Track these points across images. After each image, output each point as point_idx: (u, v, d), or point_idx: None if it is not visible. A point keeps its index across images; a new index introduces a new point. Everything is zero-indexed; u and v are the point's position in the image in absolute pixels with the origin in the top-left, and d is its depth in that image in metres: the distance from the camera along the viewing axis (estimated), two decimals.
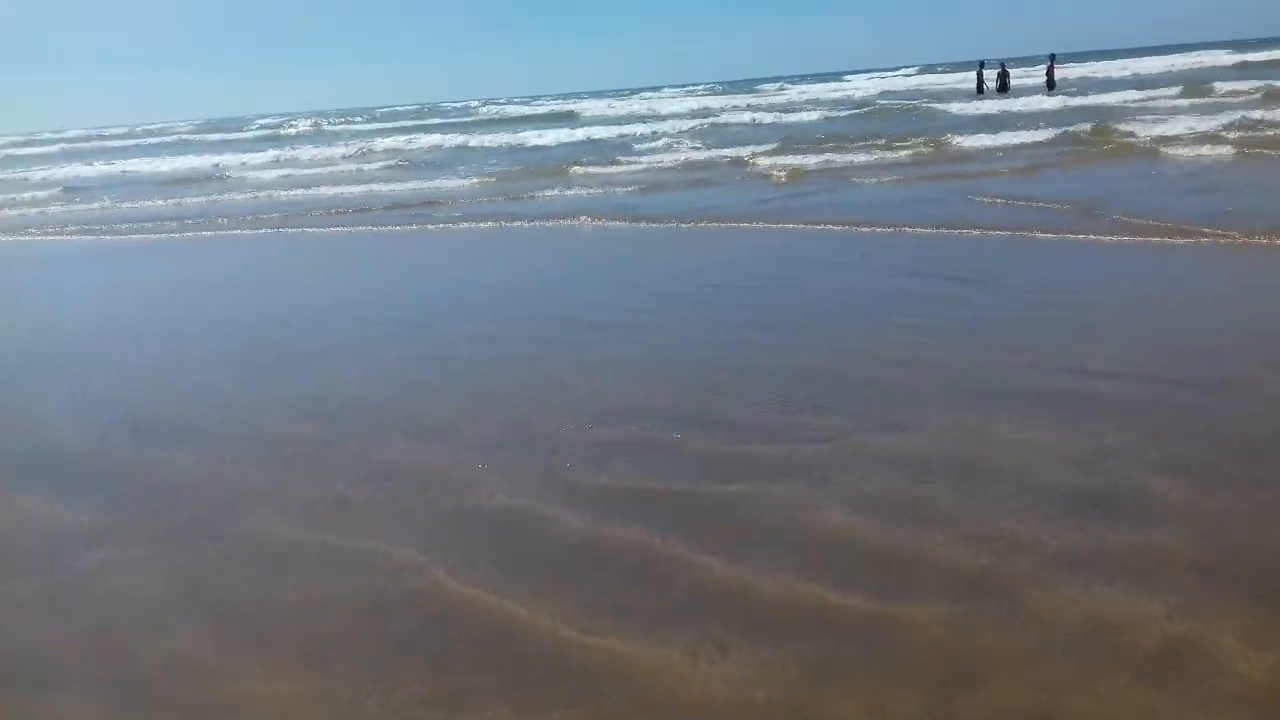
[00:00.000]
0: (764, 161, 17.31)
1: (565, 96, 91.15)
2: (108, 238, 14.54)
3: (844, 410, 4.79)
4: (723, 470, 4.19)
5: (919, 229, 9.60)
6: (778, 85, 66.69)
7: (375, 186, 18.66)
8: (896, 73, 70.04)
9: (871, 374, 5.32)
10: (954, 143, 17.57)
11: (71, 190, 23.14)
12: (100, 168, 30.88)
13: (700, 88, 78.25)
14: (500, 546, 3.66)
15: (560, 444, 4.63)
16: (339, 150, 30.26)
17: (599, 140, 27.47)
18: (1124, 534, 3.37)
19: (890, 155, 17.02)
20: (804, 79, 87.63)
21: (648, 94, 73.63)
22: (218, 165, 28.20)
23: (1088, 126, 17.67)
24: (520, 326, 6.95)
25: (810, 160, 16.93)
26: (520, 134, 31.00)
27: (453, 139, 31.44)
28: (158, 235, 14.32)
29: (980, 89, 32.27)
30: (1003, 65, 32.94)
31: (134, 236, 14.45)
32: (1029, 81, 35.19)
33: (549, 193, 15.72)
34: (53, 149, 51.21)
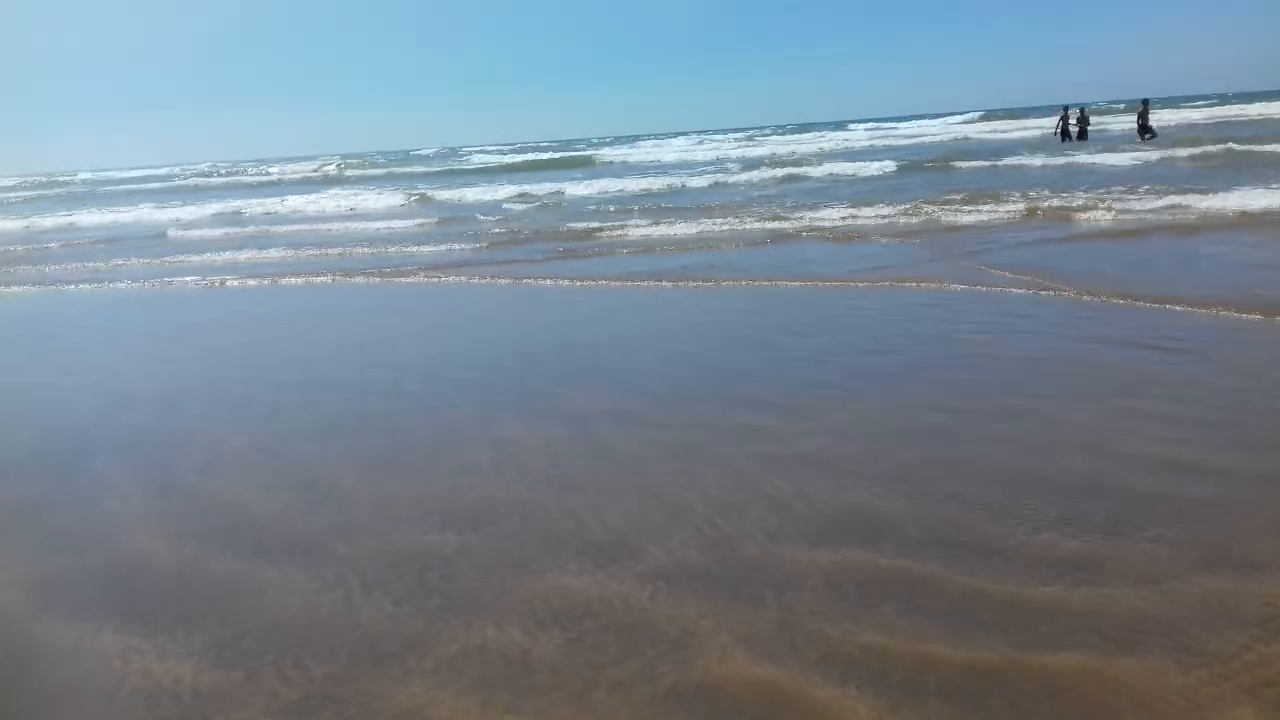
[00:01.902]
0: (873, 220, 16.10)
1: (573, 142, 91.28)
2: (168, 283, 13.69)
3: (1148, 533, 3.70)
4: (1030, 626, 3.11)
5: (1069, 291, 8.49)
6: (816, 133, 65.36)
7: (455, 245, 17.72)
8: (956, 118, 69.04)
9: (1148, 480, 4.23)
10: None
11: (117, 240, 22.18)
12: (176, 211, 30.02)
13: (725, 134, 77.47)
14: None
15: (787, 575, 3.58)
16: (395, 200, 28.66)
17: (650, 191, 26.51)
18: None
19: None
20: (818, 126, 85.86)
21: (655, 141, 72.78)
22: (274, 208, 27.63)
23: None
24: (666, 405, 5.90)
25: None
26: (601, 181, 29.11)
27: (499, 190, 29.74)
28: (216, 281, 13.45)
29: (1065, 135, 31.02)
30: (1082, 110, 31.75)
31: (186, 281, 13.60)
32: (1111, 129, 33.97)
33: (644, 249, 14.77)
34: (80, 190, 51.69)
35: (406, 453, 5.29)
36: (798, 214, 16.61)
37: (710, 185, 26.34)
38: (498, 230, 17.96)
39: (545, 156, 55.58)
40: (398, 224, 20.66)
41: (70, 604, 3.71)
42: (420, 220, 21.13)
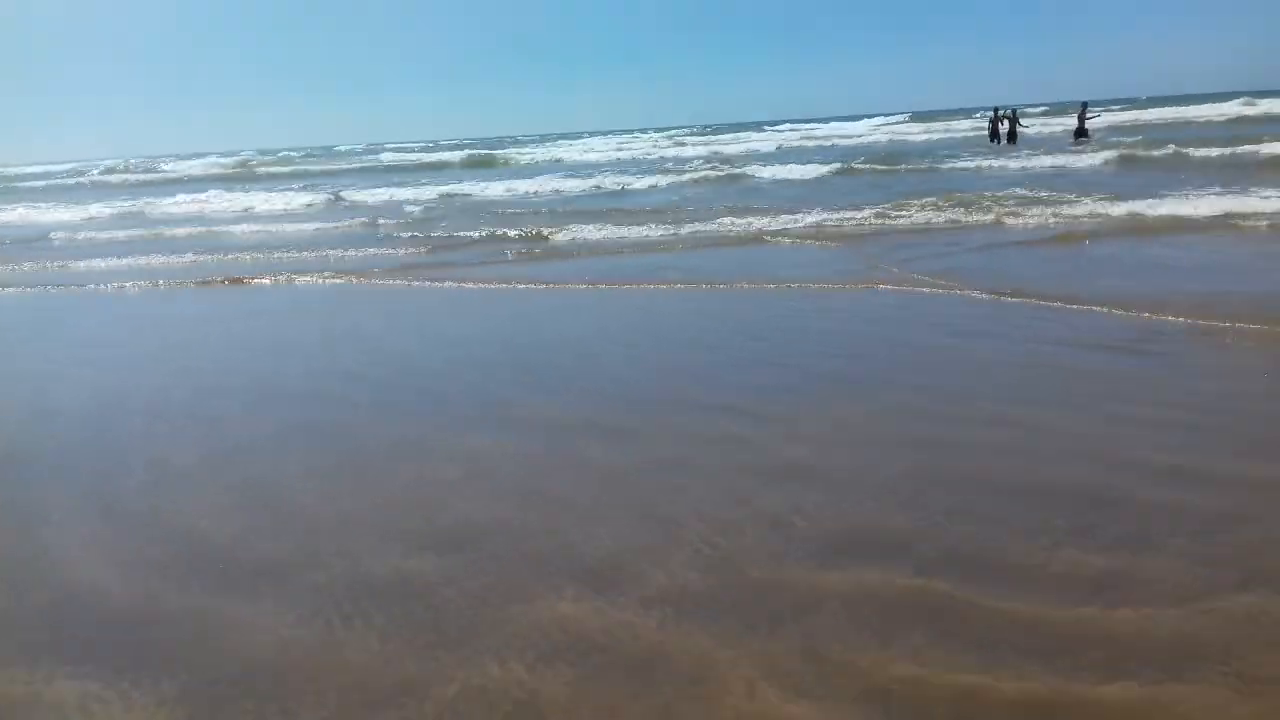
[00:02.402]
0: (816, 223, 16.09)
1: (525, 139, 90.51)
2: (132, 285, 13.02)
3: (1173, 547, 3.56)
4: (1072, 651, 2.93)
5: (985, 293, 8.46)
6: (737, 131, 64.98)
7: (393, 250, 17.18)
8: (880, 119, 69.66)
9: (1158, 489, 4.10)
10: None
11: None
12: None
13: (646, 133, 77.56)
14: None
15: (801, 599, 3.36)
16: (317, 199, 27.21)
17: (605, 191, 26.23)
18: None
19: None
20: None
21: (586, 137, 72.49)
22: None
23: None
24: (642, 413, 5.65)
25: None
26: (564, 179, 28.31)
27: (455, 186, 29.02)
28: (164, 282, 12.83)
29: (994, 136, 31.52)
30: (1013, 112, 32.28)
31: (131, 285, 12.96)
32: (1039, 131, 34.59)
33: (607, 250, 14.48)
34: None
35: (368, 468, 4.96)
36: (743, 217, 16.32)
37: (649, 187, 26.00)
38: (419, 234, 17.50)
39: (479, 153, 54.71)
40: (317, 225, 19.94)
41: (11, 646, 3.34)
42: (343, 222, 20.44)
